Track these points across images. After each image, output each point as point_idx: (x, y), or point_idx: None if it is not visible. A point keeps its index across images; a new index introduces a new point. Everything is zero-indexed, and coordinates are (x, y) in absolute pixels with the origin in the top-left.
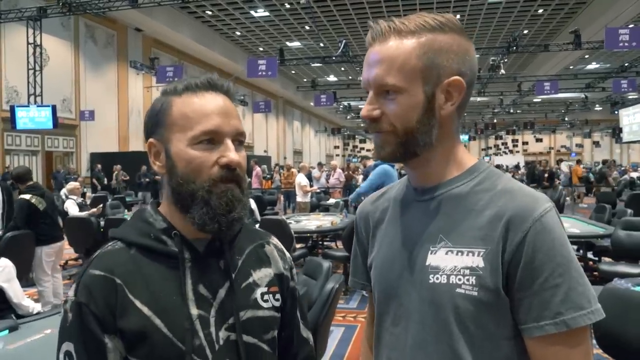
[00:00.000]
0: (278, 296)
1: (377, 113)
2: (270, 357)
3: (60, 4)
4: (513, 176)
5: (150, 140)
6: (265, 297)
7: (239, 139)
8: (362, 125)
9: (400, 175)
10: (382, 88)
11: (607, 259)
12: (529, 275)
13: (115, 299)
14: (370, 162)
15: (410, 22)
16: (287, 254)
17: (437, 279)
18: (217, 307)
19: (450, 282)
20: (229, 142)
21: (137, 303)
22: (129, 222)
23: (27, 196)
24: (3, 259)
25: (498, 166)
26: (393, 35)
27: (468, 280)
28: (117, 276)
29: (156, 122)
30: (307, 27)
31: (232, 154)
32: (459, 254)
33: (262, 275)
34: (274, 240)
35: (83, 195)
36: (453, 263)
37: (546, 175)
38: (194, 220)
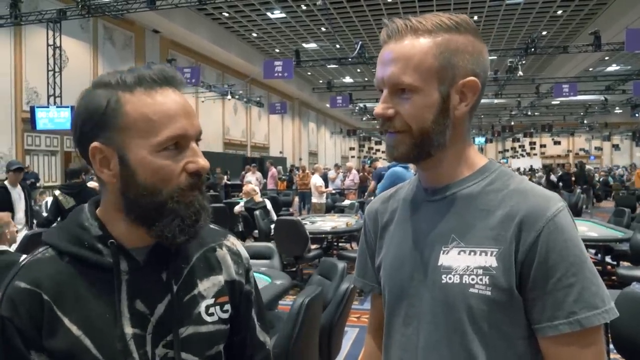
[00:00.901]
0: (227, 307)
1: (391, 112)
2: None
3: (80, 6)
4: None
5: (95, 144)
6: (211, 310)
7: (199, 139)
8: (377, 126)
9: None
10: (397, 87)
11: (625, 264)
12: (542, 275)
13: (42, 316)
14: (379, 164)
15: (426, 21)
16: (244, 254)
17: (450, 279)
18: (154, 323)
19: (464, 282)
20: (194, 145)
21: (66, 321)
22: (63, 224)
23: (57, 192)
24: (25, 256)
25: (517, 170)
26: (409, 33)
27: (481, 280)
28: (44, 291)
29: (101, 124)
30: (323, 29)
31: (201, 160)
32: (472, 253)
33: (209, 285)
34: (229, 241)
35: None
36: (466, 263)
37: (573, 178)
38: (162, 234)
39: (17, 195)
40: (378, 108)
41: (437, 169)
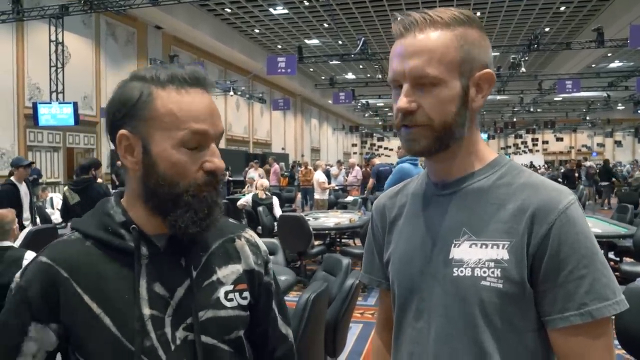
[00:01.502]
0: (246, 294)
1: (414, 106)
2: (233, 358)
3: (82, 2)
4: None
5: (123, 132)
6: (230, 295)
7: (218, 141)
8: (380, 123)
9: None
10: (422, 80)
11: (628, 260)
12: (553, 267)
13: (55, 290)
14: (377, 161)
15: (443, 15)
16: (263, 247)
17: (462, 272)
18: (174, 307)
19: (475, 274)
20: (214, 146)
21: (86, 298)
22: (91, 212)
23: (65, 188)
24: (29, 251)
25: None
26: (429, 26)
27: (493, 272)
28: (64, 268)
29: (131, 113)
30: (325, 25)
31: (217, 160)
32: (483, 246)
33: (228, 272)
34: (247, 234)
35: None
36: (477, 256)
37: (577, 174)
38: (176, 224)
39: (24, 191)
40: (402, 102)
41: (450, 162)
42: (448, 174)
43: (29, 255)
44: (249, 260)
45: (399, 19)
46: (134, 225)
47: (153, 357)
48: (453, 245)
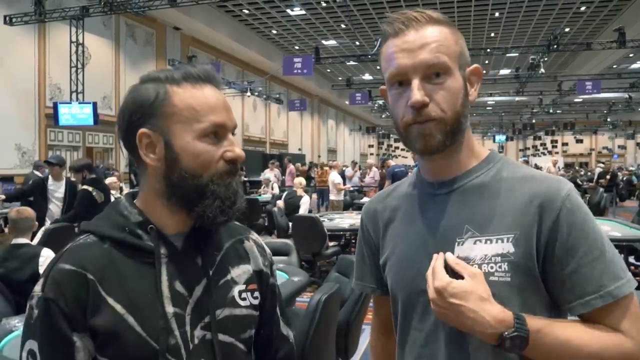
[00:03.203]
0: (257, 294)
1: (427, 99)
2: (246, 357)
3: (102, 3)
4: None
5: (143, 130)
6: (243, 295)
7: (234, 133)
8: None
9: None
10: (433, 69)
11: None
12: (566, 253)
13: (87, 296)
14: (392, 162)
15: (433, 14)
16: (267, 249)
17: None
18: (193, 305)
19: (483, 270)
20: (232, 136)
21: (110, 300)
22: (102, 214)
23: (89, 188)
24: (45, 249)
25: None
26: (429, 22)
27: (500, 267)
28: (89, 271)
29: (149, 112)
30: (342, 26)
31: (237, 149)
32: (488, 242)
33: (240, 272)
34: (254, 235)
35: (120, 190)
36: (483, 252)
37: (608, 176)
38: (204, 214)
39: (57, 188)
40: (417, 96)
41: (450, 159)
42: (445, 173)
43: (46, 253)
44: (257, 261)
45: (392, 17)
46: (151, 225)
47: (176, 356)
48: (457, 243)
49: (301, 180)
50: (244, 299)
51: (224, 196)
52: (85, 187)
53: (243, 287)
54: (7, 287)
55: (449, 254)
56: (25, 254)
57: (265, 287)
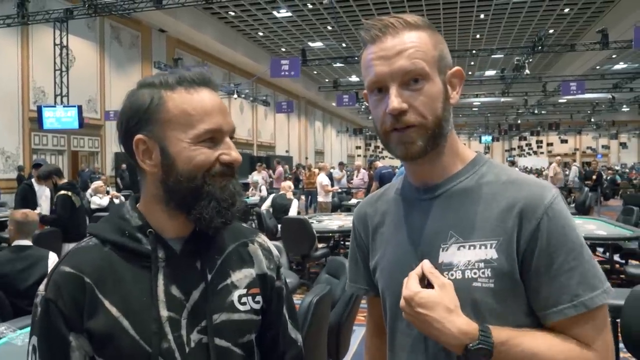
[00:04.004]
0: (259, 298)
1: (405, 106)
2: None
3: (86, 5)
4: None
5: (139, 137)
6: (243, 299)
7: (232, 135)
8: None
9: None
10: (411, 75)
11: (634, 262)
12: (544, 261)
13: (84, 298)
14: (379, 164)
15: (410, 19)
16: (275, 252)
17: (452, 275)
18: (189, 309)
19: (466, 277)
20: (228, 140)
21: (106, 303)
22: (106, 217)
23: (68, 193)
24: (52, 253)
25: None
26: (405, 28)
27: (484, 273)
28: (87, 275)
29: (145, 118)
30: (329, 28)
31: (234, 153)
32: (472, 247)
33: (241, 276)
34: (261, 238)
35: (107, 193)
36: (466, 258)
37: (594, 177)
38: (201, 216)
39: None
40: (394, 103)
41: (434, 163)
42: (430, 177)
43: (53, 257)
44: (261, 265)
45: (369, 24)
46: (150, 229)
47: (170, 359)
48: (441, 249)
49: (289, 184)
50: (243, 304)
51: (220, 198)
52: (63, 192)
53: (244, 291)
54: (10, 290)
55: (426, 262)
56: (30, 257)
57: (270, 291)
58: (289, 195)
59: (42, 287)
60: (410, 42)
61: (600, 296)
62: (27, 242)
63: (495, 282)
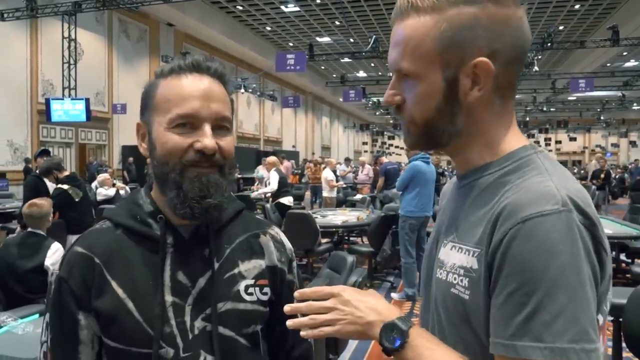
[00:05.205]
0: (267, 290)
1: (398, 99)
2: (249, 352)
3: None
4: None
5: (138, 122)
6: (250, 290)
7: (220, 124)
8: (391, 121)
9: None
10: (399, 73)
11: None
12: (498, 283)
13: (92, 278)
14: (385, 159)
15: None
16: (288, 245)
17: (440, 274)
18: (195, 296)
19: (448, 279)
20: (207, 127)
21: (114, 284)
22: (122, 202)
23: (65, 186)
24: (56, 242)
25: None
26: (412, 12)
27: (462, 281)
28: (97, 255)
29: (144, 105)
30: (337, 22)
31: (207, 140)
32: (460, 250)
33: (250, 266)
34: (274, 230)
35: (113, 185)
36: (453, 260)
37: (602, 175)
38: (170, 205)
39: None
40: (385, 94)
41: (461, 155)
42: (462, 167)
43: (55, 247)
44: (272, 257)
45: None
46: (161, 215)
47: (171, 344)
48: (442, 244)
49: (273, 158)
50: (250, 294)
51: (187, 188)
52: (60, 185)
53: (251, 282)
54: (10, 273)
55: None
56: (35, 244)
57: (281, 284)
58: (268, 170)
59: (57, 267)
60: (404, 34)
61: (539, 351)
62: (39, 231)
63: (470, 294)
